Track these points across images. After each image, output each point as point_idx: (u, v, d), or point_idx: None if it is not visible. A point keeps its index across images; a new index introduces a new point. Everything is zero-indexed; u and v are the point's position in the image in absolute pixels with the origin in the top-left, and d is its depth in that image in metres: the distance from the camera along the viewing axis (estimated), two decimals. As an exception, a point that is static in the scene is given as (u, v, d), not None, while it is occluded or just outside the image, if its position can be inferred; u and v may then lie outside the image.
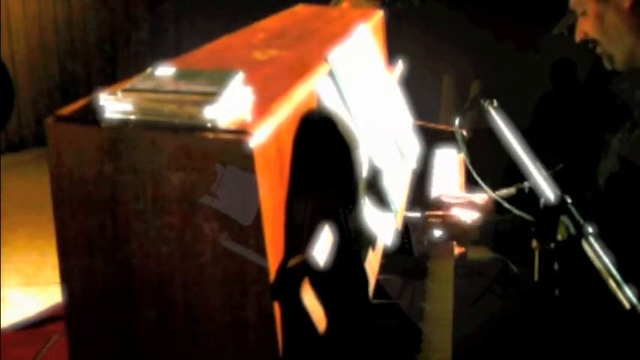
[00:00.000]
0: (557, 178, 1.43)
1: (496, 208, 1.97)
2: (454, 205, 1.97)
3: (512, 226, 1.79)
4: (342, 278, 1.44)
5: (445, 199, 2.01)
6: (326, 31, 2.10)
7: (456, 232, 1.91)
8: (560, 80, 3.96)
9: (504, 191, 2.03)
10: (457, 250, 2.03)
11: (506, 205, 1.65)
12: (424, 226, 1.93)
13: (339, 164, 1.48)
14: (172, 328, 1.25)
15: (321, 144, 1.47)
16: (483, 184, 1.86)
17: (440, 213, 1.95)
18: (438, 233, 1.93)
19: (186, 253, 1.20)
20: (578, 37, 1.83)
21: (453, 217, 1.91)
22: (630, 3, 1.72)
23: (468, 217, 1.92)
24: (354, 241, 1.51)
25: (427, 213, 1.96)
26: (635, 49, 1.76)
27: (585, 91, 3.78)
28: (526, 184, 1.95)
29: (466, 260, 2.12)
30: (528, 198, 1.54)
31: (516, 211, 1.59)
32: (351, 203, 1.51)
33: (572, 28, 1.88)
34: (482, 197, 2.00)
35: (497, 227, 1.85)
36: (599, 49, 1.82)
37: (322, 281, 1.34)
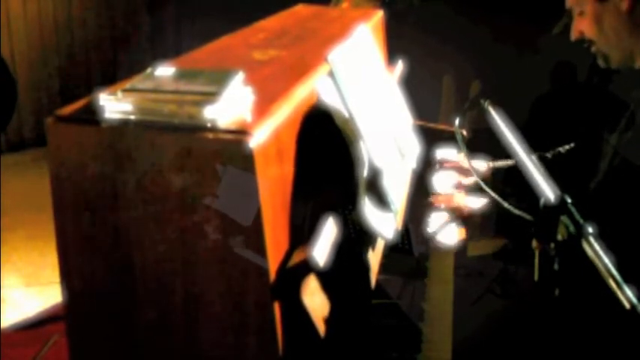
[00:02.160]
0: (558, 178, 1.43)
1: (493, 178, 2.02)
2: (454, 166, 2.00)
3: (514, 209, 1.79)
4: (342, 278, 1.44)
5: (447, 163, 2.05)
6: (326, 31, 2.10)
7: (460, 214, 1.92)
8: (562, 82, 3.96)
9: (501, 163, 2.05)
10: (460, 235, 2.02)
11: (505, 205, 1.65)
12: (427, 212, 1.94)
13: (338, 163, 1.48)
14: (172, 328, 1.25)
15: (320, 143, 1.47)
16: (483, 185, 1.86)
17: (445, 196, 1.95)
18: (440, 218, 1.93)
19: (186, 253, 1.20)
20: (574, 36, 1.83)
21: (458, 201, 1.92)
22: (629, 4, 1.71)
23: (474, 202, 1.92)
24: (354, 241, 1.51)
25: (433, 197, 1.96)
26: (633, 50, 1.76)
27: (586, 91, 3.78)
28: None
29: (466, 259, 2.13)
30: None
31: (516, 211, 1.58)
32: (351, 203, 1.51)
33: (567, 28, 1.88)
34: (481, 166, 2.03)
35: (500, 211, 1.86)
36: (594, 48, 1.82)
37: (322, 281, 1.34)
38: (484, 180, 2.00)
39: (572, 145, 2.09)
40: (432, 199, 1.95)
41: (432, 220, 1.93)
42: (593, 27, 1.77)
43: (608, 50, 1.79)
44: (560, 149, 2.10)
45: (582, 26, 1.80)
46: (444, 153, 2.24)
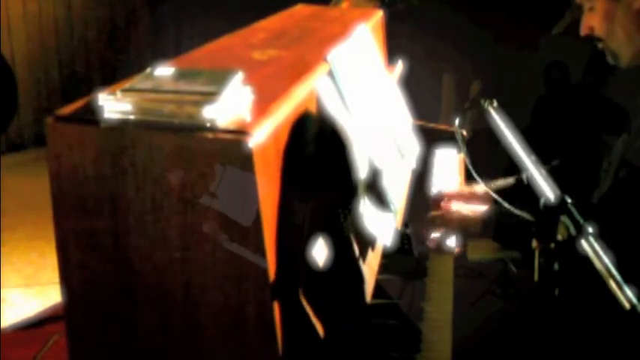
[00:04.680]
0: (559, 178, 1.42)
1: (495, 200, 1.98)
2: (455, 198, 1.97)
3: (512, 217, 1.79)
4: (340, 278, 1.44)
5: (446, 193, 2.01)
6: (326, 31, 2.10)
7: (458, 225, 1.91)
8: (554, 83, 3.97)
9: (502, 181, 2.03)
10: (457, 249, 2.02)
11: (505, 205, 1.64)
12: (427, 226, 1.93)
13: (337, 164, 1.48)
14: (172, 328, 1.25)
15: (319, 144, 1.47)
16: (483, 184, 1.86)
17: (441, 212, 1.94)
18: (440, 235, 1.92)
19: (185, 254, 1.20)
20: (583, 32, 1.81)
21: (454, 212, 1.91)
22: None
23: (469, 209, 1.91)
24: (353, 242, 1.51)
25: (429, 214, 1.95)
26: None
27: (586, 91, 3.77)
28: (525, 175, 1.95)
29: (466, 260, 2.12)
30: (527, 190, 1.53)
31: (516, 211, 1.58)
32: (350, 203, 1.51)
33: (568, 29, 1.86)
34: (481, 189, 2.00)
35: (499, 219, 1.85)
36: (602, 45, 1.80)
37: (321, 281, 1.34)
38: (486, 203, 1.98)
39: (564, 157, 2.07)
40: (431, 214, 1.94)
41: (431, 234, 1.92)
42: (603, 24, 1.75)
43: (618, 48, 1.77)
44: (554, 163, 2.08)
45: (592, 22, 1.78)
46: (440, 184, 2.17)
